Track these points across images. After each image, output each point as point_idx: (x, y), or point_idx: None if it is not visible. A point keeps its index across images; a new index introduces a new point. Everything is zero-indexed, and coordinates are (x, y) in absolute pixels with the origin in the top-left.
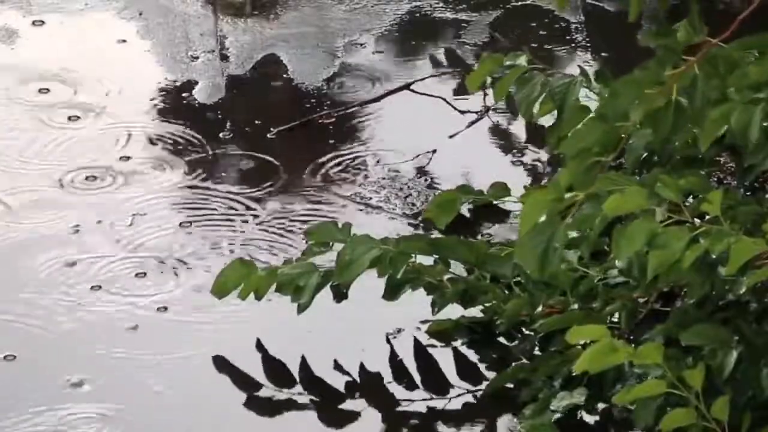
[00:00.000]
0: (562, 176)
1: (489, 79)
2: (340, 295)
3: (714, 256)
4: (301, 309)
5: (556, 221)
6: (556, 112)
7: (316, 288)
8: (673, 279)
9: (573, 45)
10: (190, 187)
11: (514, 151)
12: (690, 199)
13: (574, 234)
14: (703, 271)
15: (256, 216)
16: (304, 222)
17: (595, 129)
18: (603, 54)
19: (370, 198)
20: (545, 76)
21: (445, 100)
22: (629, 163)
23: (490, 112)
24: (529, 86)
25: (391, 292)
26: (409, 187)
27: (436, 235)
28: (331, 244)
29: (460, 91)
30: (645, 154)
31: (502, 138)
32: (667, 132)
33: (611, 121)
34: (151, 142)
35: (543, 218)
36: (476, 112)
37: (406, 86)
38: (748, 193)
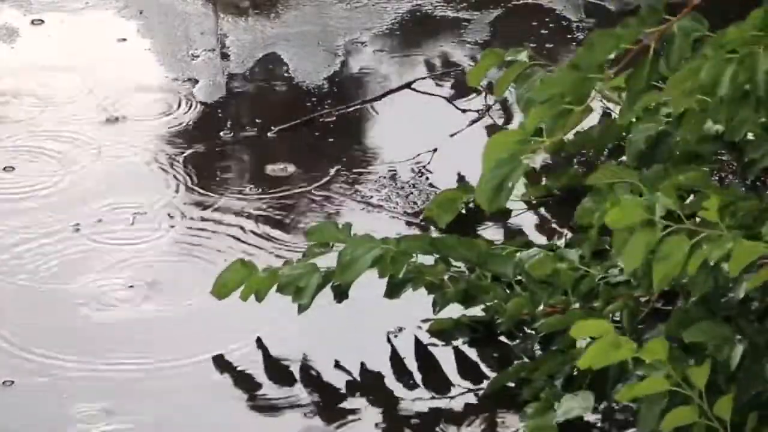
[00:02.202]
0: (529, 120)
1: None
2: (340, 294)
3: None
4: (301, 309)
5: (516, 160)
6: None
7: (316, 288)
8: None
9: (574, 44)
10: (191, 185)
11: None
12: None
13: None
14: (705, 271)
15: (255, 215)
16: (305, 221)
17: (567, 77)
18: None
19: (371, 197)
20: (546, 72)
21: (446, 98)
22: (630, 157)
23: (491, 110)
24: (530, 82)
25: (393, 291)
26: (409, 186)
27: (436, 234)
28: (331, 244)
29: (461, 90)
30: (644, 148)
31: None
32: (641, 88)
33: (585, 72)
34: (151, 140)
35: (504, 156)
36: (477, 111)
37: (407, 85)
38: (749, 190)
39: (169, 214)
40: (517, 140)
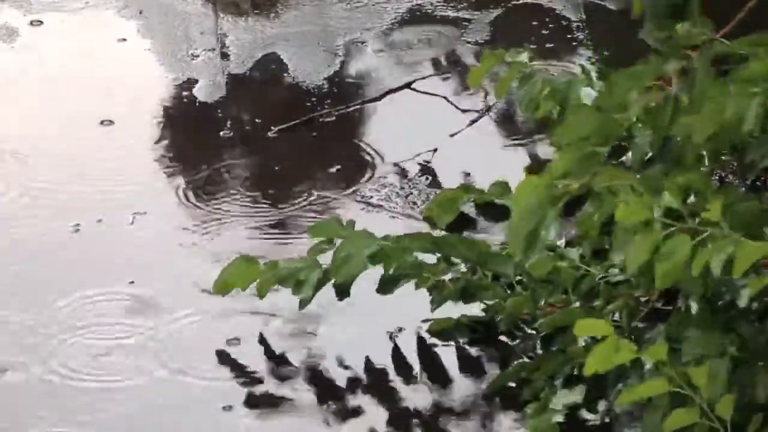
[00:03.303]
0: (557, 164)
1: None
2: (342, 292)
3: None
4: (302, 304)
5: (547, 207)
6: (557, 109)
7: (317, 284)
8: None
9: (575, 43)
10: (191, 185)
11: (516, 149)
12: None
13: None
14: (705, 274)
15: (256, 216)
16: (305, 221)
17: (591, 119)
18: (605, 53)
19: (371, 197)
20: (547, 73)
21: (446, 98)
22: (634, 161)
23: (492, 110)
24: (531, 83)
25: (385, 286)
26: (410, 186)
27: (437, 233)
28: (334, 241)
29: (462, 89)
30: (650, 154)
31: (504, 137)
32: (665, 125)
33: (608, 112)
34: (151, 140)
35: (534, 202)
36: (477, 111)
37: (407, 85)
38: (748, 190)
39: (169, 215)
40: (545, 185)
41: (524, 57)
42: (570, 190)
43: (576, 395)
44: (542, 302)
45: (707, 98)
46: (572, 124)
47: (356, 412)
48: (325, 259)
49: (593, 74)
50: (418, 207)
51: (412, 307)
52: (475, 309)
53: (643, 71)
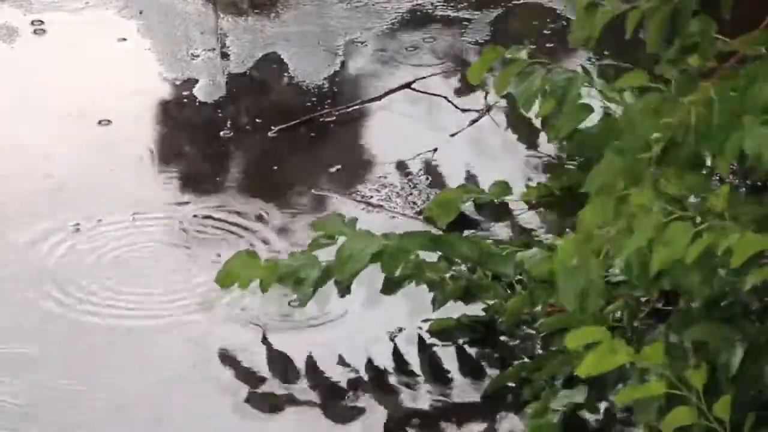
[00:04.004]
0: (588, 213)
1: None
2: (343, 289)
3: (718, 254)
4: (302, 302)
5: (590, 259)
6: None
7: (317, 281)
8: (676, 281)
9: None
10: (190, 185)
11: (516, 149)
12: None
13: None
14: (706, 271)
15: (255, 216)
16: (305, 220)
17: (615, 164)
18: (605, 52)
19: (371, 197)
20: (546, 70)
21: (446, 98)
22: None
23: (492, 110)
24: (530, 80)
25: (389, 287)
26: (410, 186)
27: (437, 233)
28: (335, 237)
29: (462, 89)
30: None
31: (504, 136)
32: (687, 158)
33: (631, 154)
34: (151, 141)
35: (576, 260)
36: (477, 111)
37: (407, 85)
38: (749, 193)
39: (169, 215)
40: (582, 239)
41: (523, 54)
42: (609, 239)
43: (577, 396)
44: (541, 303)
45: (725, 129)
46: (596, 173)
47: (355, 412)
48: (324, 255)
49: (594, 73)
50: (418, 207)
51: (411, 307)
52: (476, 309)
53: (661, 105)
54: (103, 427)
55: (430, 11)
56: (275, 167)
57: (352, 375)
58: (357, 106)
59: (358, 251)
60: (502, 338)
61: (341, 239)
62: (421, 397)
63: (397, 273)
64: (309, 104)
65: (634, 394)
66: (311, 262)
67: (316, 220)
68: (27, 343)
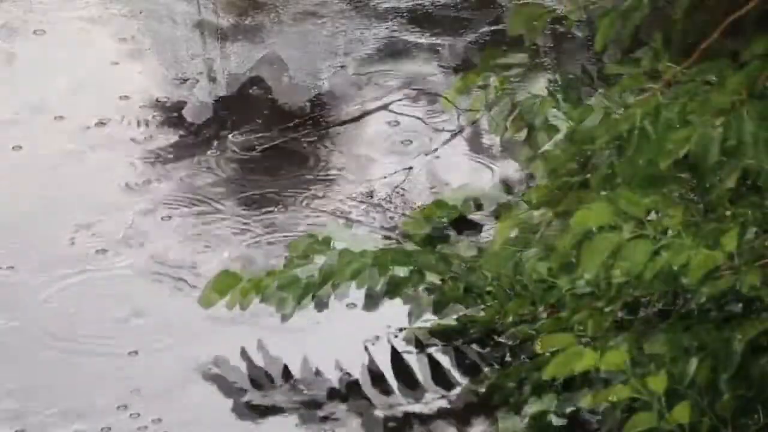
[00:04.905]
0: (533, 195)
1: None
2: (320, 304)
3: (675, 269)
4: (284, 319)
5: (527, 236)
6: (526, 130)
7: (299, 299)
8: (638, 291)
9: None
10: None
11: (487, 167)
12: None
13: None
14: (666, 281)
15: (241, 232)
16: (286, 236)
17: (564, 152)
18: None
19: (350, 212)
20: (515, 95)
21: (421, 119)
22: (595, 181)
23: (464, 131)
24: (501, 105)
25: (370, 304)
26: (387, 202)
27: (412, 247)
28: (310, 256)
29: (436, 111)
30: (609, 172)
31: (476, 155)
32: (632, 155)
33: (578, 144)
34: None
35: (515, 233)
36: (451, 131)
37: (384, 106)
38: (707, 210)
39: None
40: (524, 216)
41: (494, 81)
42: (547, 219)
43: (545, 401)
44: (512, 314)
45: (671, 130)
46: (546, 158)
47: (333, 418)
48: (303, 272)
49: (559, 96)
50: (394, 222)
51: (387, 317)
52: (449, 318)
53: (610, 103)
54: None
55: (406, 38)
56: (253, 189)
57: (330, 383)
58: (336, 127)
59: (339, 269)
60: (474, 346)
61: (319, 257)
62: (396, 403)
63: (378, 288)
64: (291, 125)
65: (600, 398)
66: (293, 281)
67: (292, 241)
68: None
